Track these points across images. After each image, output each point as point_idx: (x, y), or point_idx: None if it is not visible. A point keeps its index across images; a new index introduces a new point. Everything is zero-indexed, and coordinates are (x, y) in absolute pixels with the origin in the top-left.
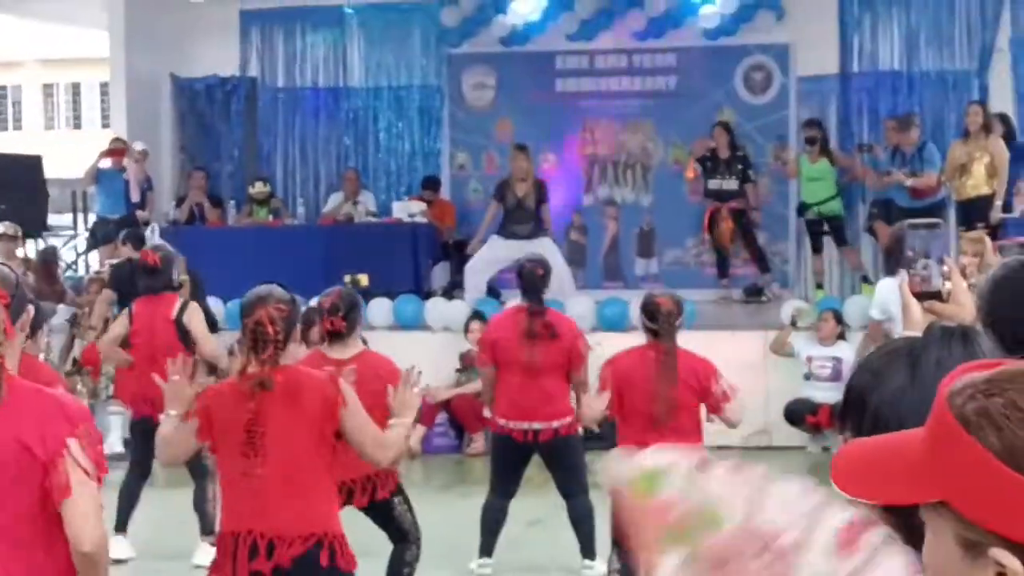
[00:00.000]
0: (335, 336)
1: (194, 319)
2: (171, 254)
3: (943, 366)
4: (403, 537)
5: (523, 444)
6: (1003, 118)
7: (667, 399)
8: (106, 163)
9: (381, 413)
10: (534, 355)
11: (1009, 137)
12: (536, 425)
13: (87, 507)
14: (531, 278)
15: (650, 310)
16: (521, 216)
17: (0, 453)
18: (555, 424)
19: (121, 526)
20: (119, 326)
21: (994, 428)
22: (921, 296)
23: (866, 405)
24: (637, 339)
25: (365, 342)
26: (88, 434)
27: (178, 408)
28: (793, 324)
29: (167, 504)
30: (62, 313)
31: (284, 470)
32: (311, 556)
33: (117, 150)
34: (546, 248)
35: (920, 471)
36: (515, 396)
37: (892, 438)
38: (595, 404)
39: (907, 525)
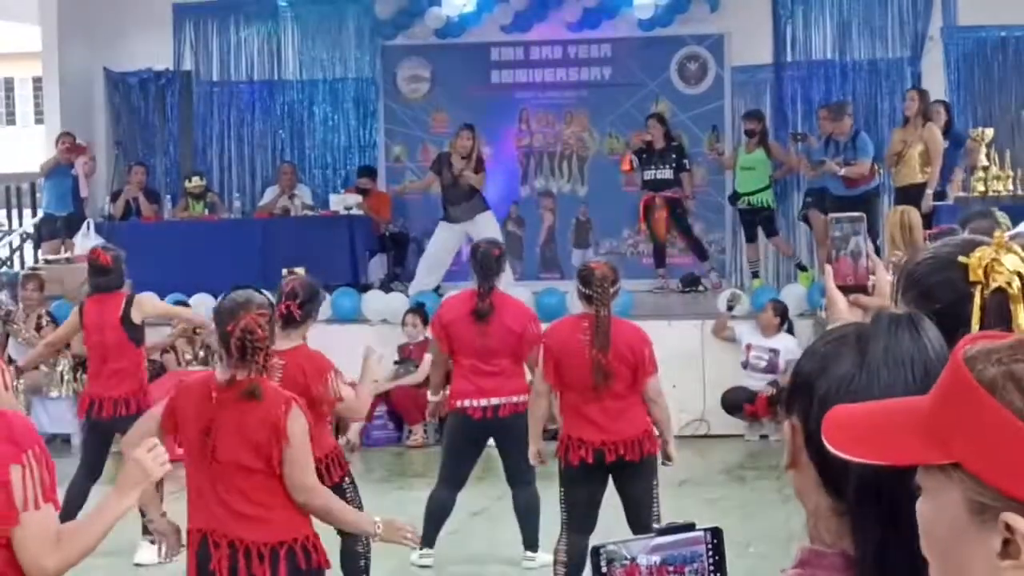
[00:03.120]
0: (286, 322)
1: (146, 306)
2: (121, 254)
3: (891, 352)
4: None
5: (481, 423)
6: (945, 106)
7: (601, 366)
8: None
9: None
10: (486, 336)
11: (948, 125)
12: (495, 401)
13: (39, 531)
14: (487, 259)
15: (585, 275)
16: (457, 195)
17: None
18: (514, 399)
19: None
20: (67, 326)
21: (1020, 392)
22: (847, 289)
23: (813, 391)
24: None
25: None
26: (37, 457)
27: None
28: (730, 309)
29: None
30: None
31: (238, 481)
32: (280, 561)
33: (78, 147)
34: (488, 223)
35: (932, 433)
36: (471, 376)
37: (892, 403)
38: None
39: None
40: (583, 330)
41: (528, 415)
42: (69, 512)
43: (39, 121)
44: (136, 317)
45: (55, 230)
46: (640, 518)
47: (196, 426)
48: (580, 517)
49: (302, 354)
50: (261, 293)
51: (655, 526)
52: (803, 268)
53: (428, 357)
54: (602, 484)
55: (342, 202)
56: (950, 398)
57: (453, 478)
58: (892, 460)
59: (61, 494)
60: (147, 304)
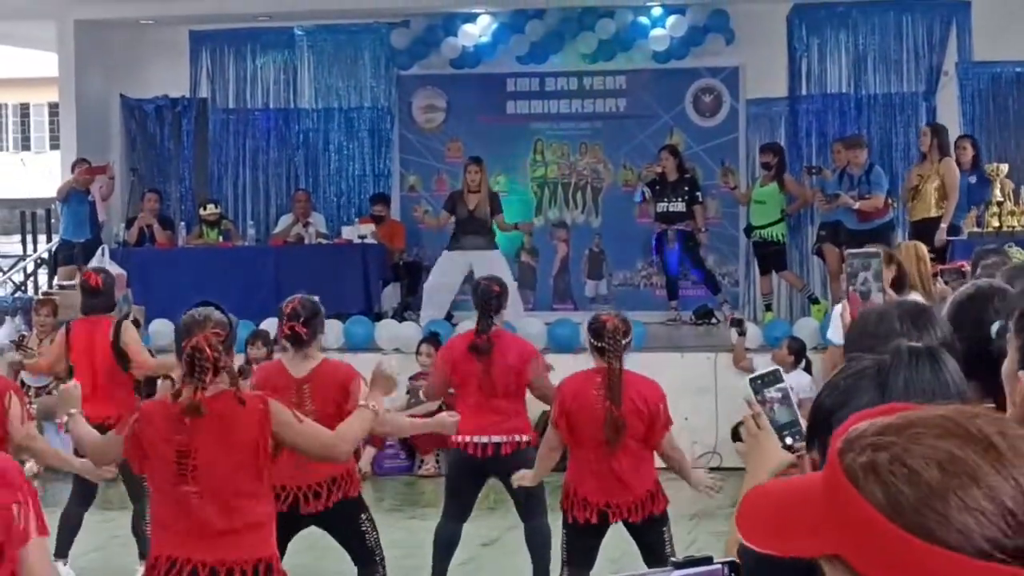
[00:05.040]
0: (295, 343)
1: (127, 337)
2: (112, 277)
3: (912, 386)
4: (368, 557)
5: (481, 461)
6: (972, 142)
7: (614, 419)
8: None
9: (335, 422)
10: (489, 373)
11: (975, 160)
12: (495, 439)
13: (42, 557)
14: (487, 295)
15: (596, 328)
16: (472, 227)
17: None
18: (516, 438)
19: (62, 551)
20: (58, 347)
21: (880, 484)
22: None
23: (834, 426)
24: (588, 360)
25: None
26: (28, 496)
27: (74, 407)
28: (741, 335)
29: (110, 526)
30: (7, 334)
31: (217, 498)
32: None
33: (98, 168)
34: (495, 261)
35: (818, 523)
36: (472, 413)
37: (797, 483)
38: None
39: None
40: (596, 384)
41: (537, 462)
42: (64, 538)
43: (54, 147)
44: (123, 342)
45: (72, 256)
46: (658, 561)
47: (168, 451)
48: (581, 559)
49: (325, 371)
50: (223, 312)
51: (672, 559)
52: (815, 301)
53: None
54: (604, 532)
55: (356, 231)
56: (828, 487)
57: (457, 512)
58: (786, 551)
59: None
60: (128, 335)
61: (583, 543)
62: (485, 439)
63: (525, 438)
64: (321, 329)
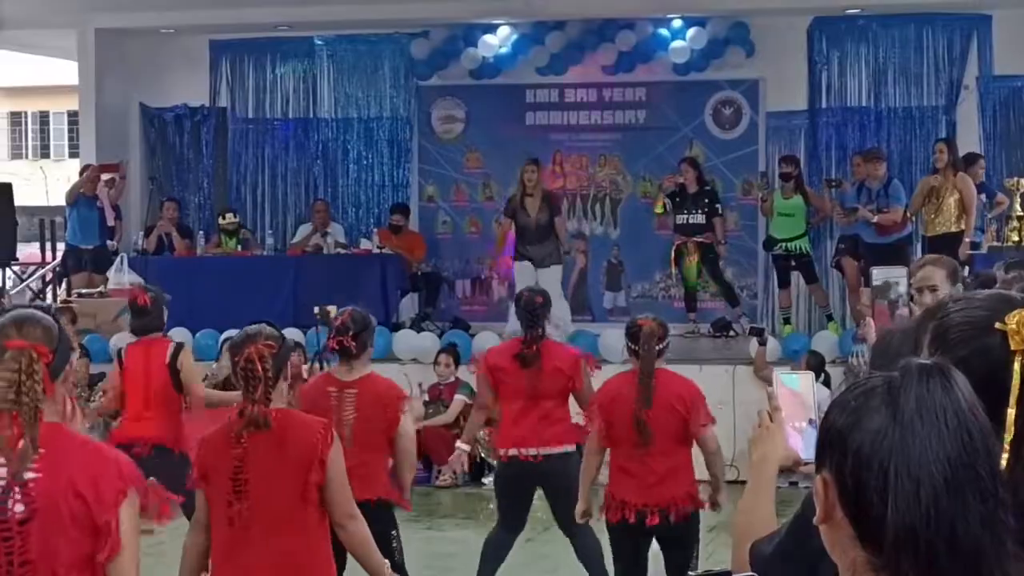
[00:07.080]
0: (343, 354)
1: (185, 364)
2: (161, 294)
3: (924, 404)
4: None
5: (530, 469)
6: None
7: (642, 422)
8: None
9: (377, 435)
10: (535, 379)
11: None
12: (544, 451)
13: (130, 566)
14: (530, 306)
15: (633, 332)
16: (535, 236)
17: (53, 497)
18: (558, 450)
19: None
20: (113, 379)
21: None
22: None
23: (846, 445)
24: (607, 372)
25: None
26: (141, 491)
27: None
28: (761, 343)
29: (164, 547)
30: None
31: (268, 516)
32: None
33: (111, 166)
34: (554, 277)
35: None
36: (518, 423)
37: None
38: None
39: None
40: (632, 386)
41: (580, 473)
42: None
43: (74, 155)
44: (180, 365)
45: (81, 262)
46: (682, 573)
47: (225, 471)
48: (629, 561)
49: (373, 382)
50: (275, 328)
51: (690, 573)
52: (832, 318)
53: (458, 398)
54: (647, 537)
55: (374, 241)
56: None
57: (511, 522)
58: None
59: None
60: (187, 361)
61: (628, 545)
62: (533, 451)
63: (569, 448)
64: (371, 342)
